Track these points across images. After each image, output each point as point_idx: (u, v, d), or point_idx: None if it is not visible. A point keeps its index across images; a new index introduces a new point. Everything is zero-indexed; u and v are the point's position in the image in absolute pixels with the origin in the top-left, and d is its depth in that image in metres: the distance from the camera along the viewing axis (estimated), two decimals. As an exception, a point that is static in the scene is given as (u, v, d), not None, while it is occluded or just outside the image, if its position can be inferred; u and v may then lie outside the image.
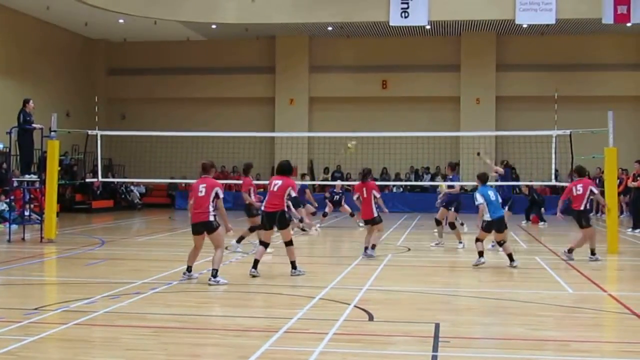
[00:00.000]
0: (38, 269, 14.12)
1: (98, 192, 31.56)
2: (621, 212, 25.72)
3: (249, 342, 7.74)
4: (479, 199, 13.84)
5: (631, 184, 22.52)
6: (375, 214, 15.04)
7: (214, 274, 11.36)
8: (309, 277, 12.22)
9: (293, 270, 12.28)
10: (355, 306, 9.72)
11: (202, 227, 11.50)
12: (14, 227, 19.20)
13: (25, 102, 18.47)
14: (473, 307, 10.08)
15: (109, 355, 7.34)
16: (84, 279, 12.21)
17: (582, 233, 15.04)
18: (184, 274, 11.80)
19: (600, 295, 11.09)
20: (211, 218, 11.41)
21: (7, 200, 21.49)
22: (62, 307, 9.46)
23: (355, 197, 15.38)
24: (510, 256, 13.77)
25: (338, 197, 23.47)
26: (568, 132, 18.50)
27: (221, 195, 11.51)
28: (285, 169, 12.44)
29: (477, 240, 14.00)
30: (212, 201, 11.41)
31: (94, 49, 35.99)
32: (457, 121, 33.58)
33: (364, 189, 15.12)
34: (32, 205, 21.21)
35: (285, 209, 12.14)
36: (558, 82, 32.01)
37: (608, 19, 28.19)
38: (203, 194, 11.43)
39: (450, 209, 17.44)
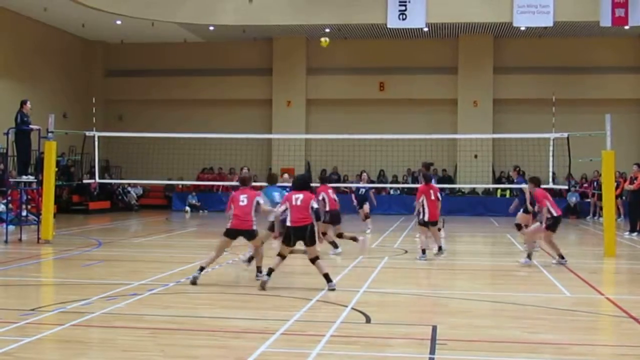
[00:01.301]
0: (35, 270, 14.10)
1: (95, 193, 31.53)
2: (618, 216, 25.77)
3: (246, 344, 7.73)
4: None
5: (627, 186, 22.55)
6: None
7: (260, 270, 12.01)
8: (306, 279, 12.21)
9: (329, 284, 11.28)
10: (352, 308, 9.72)
11: (243, 234, 11.93)
12: (11, 228, 19.20)
13: (23, 103, 18.45)
14: (470, 310, 10.08)
15: (106, 357, 7.33)
16: (80, 280, 12.20)
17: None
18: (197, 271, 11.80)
19: (597, 298, 11.10)
20: (254, 227, 11.86)
21: (5, 201, 21.47)
22: (59, 308, 9.45)
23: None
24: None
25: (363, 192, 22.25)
26: (566, 135, 18.52)
27: (261, 202, 12.00)
28: (305, 184, 11.88)
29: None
30: (254, 210, 11.85)
31: (91, 50, 35.96)
32: (454, 124, 33.59)
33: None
34: (29, 206, 21.18)
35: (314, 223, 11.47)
36: (556, 85, 32.02)
37: (606, 21, 28.23)
38: (245, 203, 11.82)
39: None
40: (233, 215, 11.84)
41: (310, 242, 11.32)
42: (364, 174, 24.13)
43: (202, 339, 8.06)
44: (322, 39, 20.03)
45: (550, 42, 33.40)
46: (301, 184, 11.77)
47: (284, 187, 14.57)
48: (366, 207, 22.01)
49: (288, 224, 11.35)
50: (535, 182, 15.21)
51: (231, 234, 11.92)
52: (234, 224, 11.83)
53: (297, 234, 11.30)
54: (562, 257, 14.63)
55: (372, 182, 23.62)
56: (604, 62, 33.31)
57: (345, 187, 28.04)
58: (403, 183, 32.85)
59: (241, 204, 11.80)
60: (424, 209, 15.34)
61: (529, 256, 14.71)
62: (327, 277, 11.28)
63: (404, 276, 13.53)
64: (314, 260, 11.37)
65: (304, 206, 11.31)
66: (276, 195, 13.43)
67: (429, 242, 15.74)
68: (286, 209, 11.37)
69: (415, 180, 33.15)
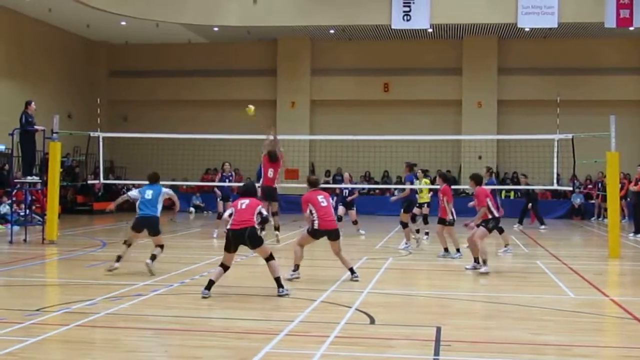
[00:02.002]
0: (39, 270, 14.13)
1: (99, 193, 31.55)
2: (623, 217, 25.73)
3: (250, 344, 7.73)
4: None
5: (632, 187, 22.52)
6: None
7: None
8: (310, 280, 12.21)
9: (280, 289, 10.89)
10: (356, 309, 9.72)
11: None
12: (16, 228, 19.23)
13: (27, 103, 18.49)
14: (474, 311, 10.07)
15: (110, 357, 7.34)
16: (85, 281, 12.21)
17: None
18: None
19: (601, 299, 11.08)
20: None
21: (9, 201, 21.49)
22: (63, 308, 9.46)
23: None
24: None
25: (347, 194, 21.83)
26: (570, 136, 18.50)
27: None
28: (250, 191, 11.48)
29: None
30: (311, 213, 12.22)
31: (96, 51, 36.02)
32: (458, 125, 33.55)
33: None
34: (33, 207, 21.22)
35: (256, 226, 11.00)
36: (560, 86, 32.00)
37: (610, 23, 28.18)
38: (325, 204, 12.29)
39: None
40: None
41: (253, 244, 10.79)
42: (346, 174, 23.66)
43: (206, 340, 8.07)
44: (248, 107, 19.97)
45: (554, 43, 33.36)
46: (246, 190, 11.41)
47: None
48: (353, 212, 21.65)
49: (228, 227, 10.88)
50: (476, 179, 14.39)
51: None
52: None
53: (236, 237, 10.73)
54: (477, 262, 13.84)
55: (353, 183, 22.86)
56: (608, 64, 33.25)
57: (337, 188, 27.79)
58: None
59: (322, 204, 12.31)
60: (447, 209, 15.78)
61: (484, 262, 13.60)
62: (278, 281, 10.80)
63: (408, 277, 13.52)
64: (268, 259, 10.89)
65: (248, 210, 10.86)
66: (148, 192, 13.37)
67: (448, 243, 16.02)
68: (231, 214, 10.93)
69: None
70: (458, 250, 15.94)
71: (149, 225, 13.05)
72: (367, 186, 32.64)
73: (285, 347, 7.68)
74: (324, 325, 8.75)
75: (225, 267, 10.84)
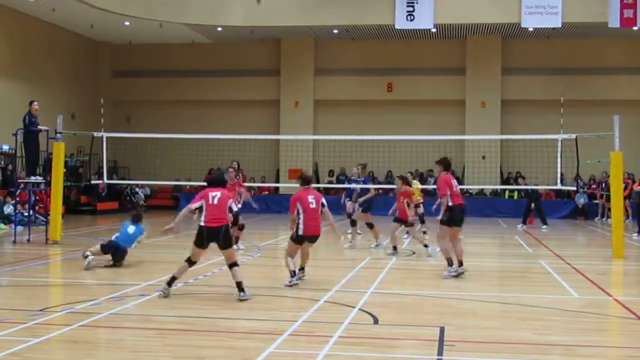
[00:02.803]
0: (43, 270, 14.14)
1: (103, 193, 31.59)
2: (626, 217, 25.70)
3: (254, 344, 7.73)
4: None
5: (636, 187, 22.49)
6: None
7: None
8: (314, 280, 12.20)
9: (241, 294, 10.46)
10: (360, 309, 9.72)
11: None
12: (19, 228, 19.26)
13: (30, 103, 18.52)
14: (478, 311, 10.05)
15: (114, 357, 7.35)
16: (88, 281, 12.23)
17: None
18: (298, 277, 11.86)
19: (605, 300, 11.07)
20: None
21: (13, 202, 21.53)
22: (67, 308, 9.47)
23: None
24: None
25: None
26: (574, 136, 18.48)
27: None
28: (220, 182, 11.22)
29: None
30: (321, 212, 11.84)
31: (99, 51, 36.09)
32: (462, 124, 33.55)
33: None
34: (37, 207, 21.24)
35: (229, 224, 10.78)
36: (564, 86, 31.98)
37: (614, 22, 28.14)
38: (314, 205, 11.70)
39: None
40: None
41: (225, 244, 10.52)
42: (354, 169, 20.68)
43: (209, 340, 8.07)
44: None
45: (558, 43, 33.34)
46: (217, 181, 11.09)
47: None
48: (361, 213, 20.07)
49: (201, 223, 10.52)
50: (445, 164, 13.10)
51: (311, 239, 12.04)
52: (311, 229, 11.91)
53: (210, 235, 10.45)
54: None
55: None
56: (612, 63, 33.23)
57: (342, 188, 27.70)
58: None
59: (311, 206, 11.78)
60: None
61: (449, 262, 12.96)
62: (239, 285, 10.41)
63: (412, 277, 13.51)
64: (231, 265, 10.55)
65: (220, 206, 10.53)
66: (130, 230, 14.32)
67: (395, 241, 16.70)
68: (200, 206, 10.61)
69: (422, 181, 33.15)
70: (395, 248, 16.32)
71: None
72: (374, 186, 32.54)
73: (288, 347, 7.68)
74: (327, 325, 8.74)
75: (191, 262, 10.65)
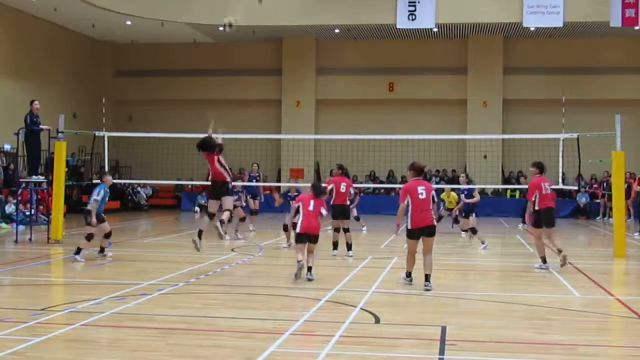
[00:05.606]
0: (45, 269, 14.15)
1: (104, 193, 31.54)
2: (628, 216, 25.68)
3: (255, 343, 7.73)
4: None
5: (636, 187, 22.47)
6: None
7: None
8: (316, 279, 12.20)
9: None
10: (361, 308, 9.72)
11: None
12: (21, 227, 19.26)
13: (31, 103, 18.53)
14: (480, 310, 10.05)
15: (115, 356, 7.34)
16: (90, 280, 12.24)
17: None
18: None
19: (607, 299, 11.06)
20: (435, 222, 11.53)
21: (15, 201, 21.53)
22: (69, 307, 9.47)
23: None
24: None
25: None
26: (576, 135, 18.48)
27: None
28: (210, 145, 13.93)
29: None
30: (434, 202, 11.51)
31: (101, 50, 36.09)
32: (464, 124, 33.54)
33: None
34: (39, 207, 21.25)
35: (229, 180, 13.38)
36: (565, 85, 31.97)
37: (616, 22, 28.12)
38: (424, 196, 11.28)
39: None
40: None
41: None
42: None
43: (211, 339, 8.07)
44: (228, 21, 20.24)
45: (560, 42, 33.33)
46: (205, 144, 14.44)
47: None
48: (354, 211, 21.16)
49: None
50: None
51: (418, 233, 11.56)
52: (419, 221, 11.53)
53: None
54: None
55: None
56: (614, 63, 33.21)
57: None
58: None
59: (421, 197, 11.52)
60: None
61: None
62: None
63: (413, 276, 13.49)
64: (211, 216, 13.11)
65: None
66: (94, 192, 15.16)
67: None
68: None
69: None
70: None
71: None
72: (372, 185, 32.64)
73: (290, 347, 7.68)
74: (329, 324, 8.75)
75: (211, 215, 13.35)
